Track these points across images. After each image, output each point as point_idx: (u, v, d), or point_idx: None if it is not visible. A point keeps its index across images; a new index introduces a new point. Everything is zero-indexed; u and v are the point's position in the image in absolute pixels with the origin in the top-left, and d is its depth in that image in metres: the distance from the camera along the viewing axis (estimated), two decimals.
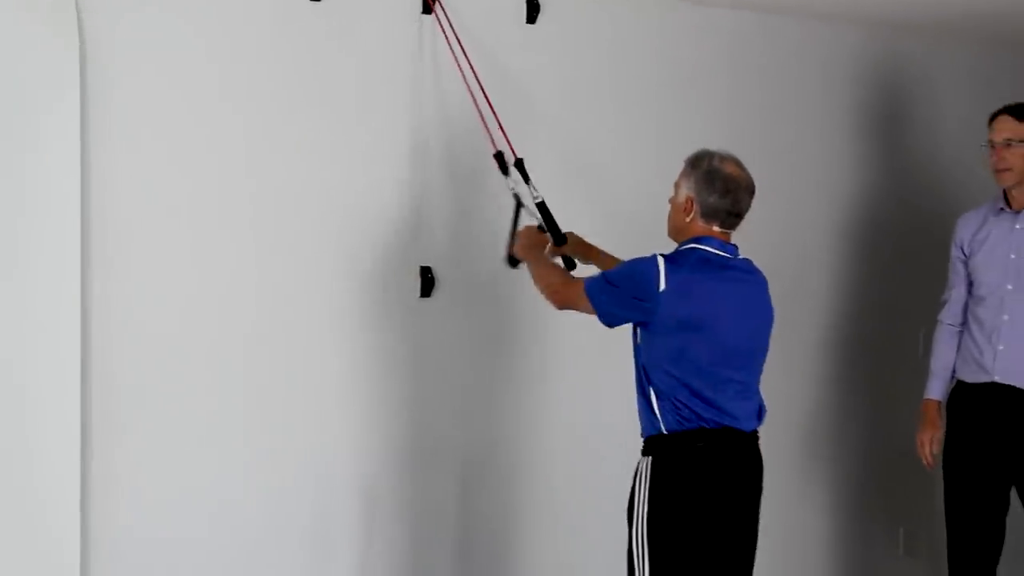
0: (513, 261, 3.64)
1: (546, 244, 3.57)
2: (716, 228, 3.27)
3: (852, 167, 4.77)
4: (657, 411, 3.22)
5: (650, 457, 3.24)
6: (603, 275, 3.31)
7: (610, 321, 3.28)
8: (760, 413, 3.34)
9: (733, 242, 3.32)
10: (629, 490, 3.25)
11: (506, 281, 3.83)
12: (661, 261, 3.19)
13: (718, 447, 3.21)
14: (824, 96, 4.68)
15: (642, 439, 3.29)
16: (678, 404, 3.18)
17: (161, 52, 3.46)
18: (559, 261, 3.59)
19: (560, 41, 4.10)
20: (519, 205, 3.64)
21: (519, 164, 3.66)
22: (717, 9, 4.38)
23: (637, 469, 3.26)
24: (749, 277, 3.33)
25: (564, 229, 3.61)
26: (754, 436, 3.32)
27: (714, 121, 4.38)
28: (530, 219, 3.61)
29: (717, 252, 3.26)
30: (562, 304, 3.37)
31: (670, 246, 3.34)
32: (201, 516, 3.59)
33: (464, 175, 3.83)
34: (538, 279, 3.45)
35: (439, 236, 3.91)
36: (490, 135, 3.65)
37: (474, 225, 3.88)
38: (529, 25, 4.01)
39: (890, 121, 4.85)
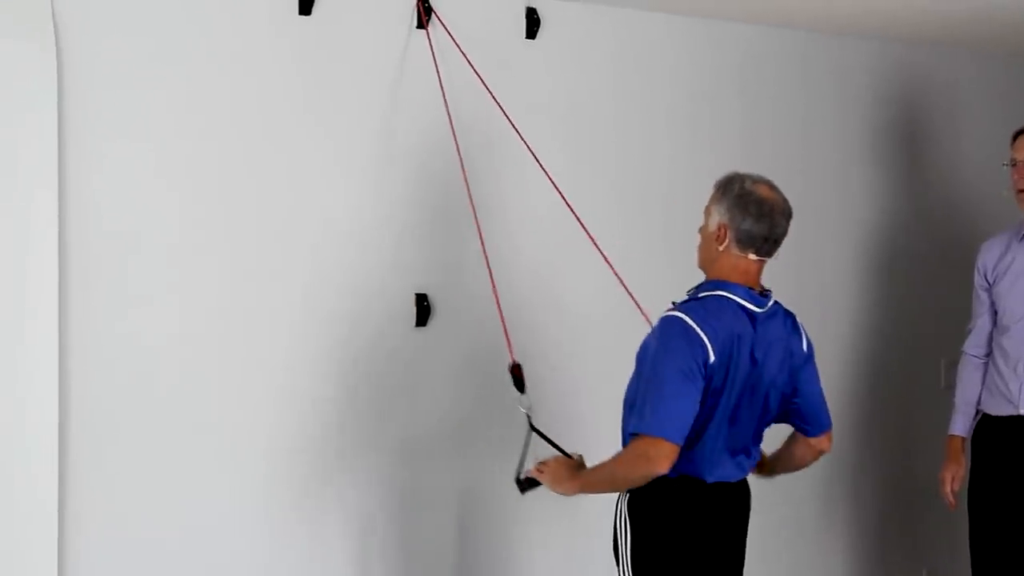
0: (525, 486, 3.22)
1: (573, 464, 3.17)
2: (752, 256, 3.00)
3: (869, 188, 4.68)
4: None
5: (628, 494, 3.06)
6: (635, 391, 2.98)
7: (683, 426, 2.89)
8: (749, 467, 3.14)
9: (764, 284, 3.07)
10: (612, 527, 3.10)
11: (505, 309, 3.66)
12: (694, 328, 2.91)
13: (695, 491, 3.02)
14: (838, 114, 4.60)
15: None
16: None
17: (143, 63, 3.33)
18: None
19: (562, 57, 3.98)
20: (532, 427, 3.33)
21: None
22: (726, 23, 4.26)
23: (616, 505, 3.09)
24: (775, 336, 3.04)
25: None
26: (741, 483, 3.12)
27: (724, 141, 4.26)
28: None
29: (744, 304, 3.00)
30: (638, 471, 2.93)
31: (675, 284, 3.15)
32: (186, 544, 3.42)
33: (462, 199, 3.67)
34: (606, 485, 3.07)
35: (435, 262, 3.77)
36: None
37: (472, 251, 3.72)
38: (529, 40, 3.89)
39: (908, 139, 4.75)
